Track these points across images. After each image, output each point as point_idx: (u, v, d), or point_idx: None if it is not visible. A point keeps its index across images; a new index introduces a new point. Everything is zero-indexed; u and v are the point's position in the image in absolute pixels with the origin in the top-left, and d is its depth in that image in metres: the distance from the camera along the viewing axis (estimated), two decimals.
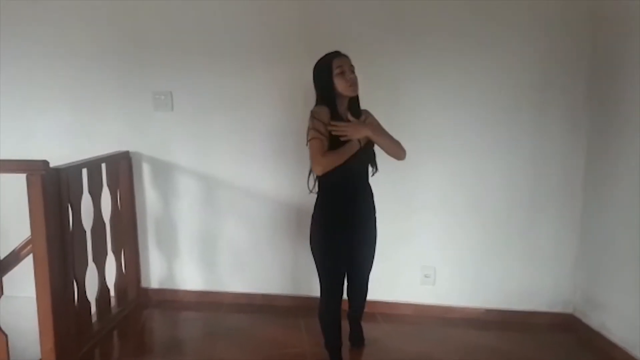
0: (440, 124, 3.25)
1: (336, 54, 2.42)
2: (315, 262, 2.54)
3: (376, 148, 2.55)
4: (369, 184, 2.61)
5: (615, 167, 2.95)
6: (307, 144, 2.37)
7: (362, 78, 2.48)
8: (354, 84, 2.39)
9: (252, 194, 3.48)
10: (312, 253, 2.55)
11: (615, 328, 2.95)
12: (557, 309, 3.35)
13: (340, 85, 2.37)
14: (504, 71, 3.17)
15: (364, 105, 2.59)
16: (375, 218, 2.65)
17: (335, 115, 2.38)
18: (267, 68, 3.31)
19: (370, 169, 2.60)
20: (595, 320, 3.12)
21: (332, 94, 2.39)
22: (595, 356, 2.96)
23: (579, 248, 3.27)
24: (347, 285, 2.70)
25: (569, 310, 3.34)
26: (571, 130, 3.19)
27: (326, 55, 2.43)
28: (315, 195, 2.52)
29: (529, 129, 3.21)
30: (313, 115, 2.35)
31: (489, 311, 3.40)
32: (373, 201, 2.63)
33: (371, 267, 2.72)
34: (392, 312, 3.42)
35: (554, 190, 3.26)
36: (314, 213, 2.53)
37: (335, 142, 2.34)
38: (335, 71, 2.36)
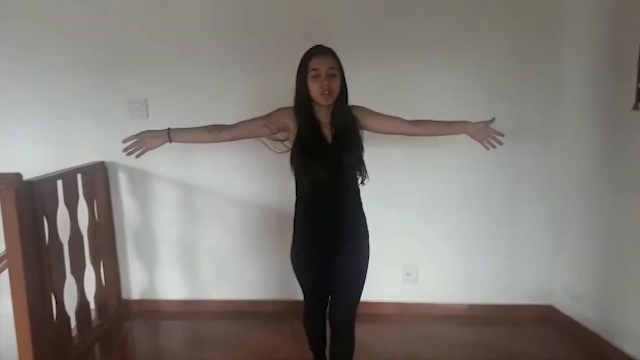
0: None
1: (316, 52, 2.10)
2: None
3: (372, 154, 2.30)
4: (353, 197, 2.22)
5: (587, 161, 3.01)
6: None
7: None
8: (326, 91, 2.05)
9: (231, 200, 3.46)
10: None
11: (595, 318, 3.00)
12: (539, 301, 3.40)
13: (313, 90, 2.07)
14: (480, 71, 3.22)
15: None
16: (364, 240, 2.25)
17: (314, 123, 2.13)
18: (244, 74, 3.30)
19: (357, 177, 2.20)
20: (575, 311, 3.17)
21: (308, 99, 2.11)
22: (576, 346, 3.01)
23: (557, 241, 3.32)
24: (329, 321, 2.30)
25: (549, 302, 3.39)
26: (546, 127, 3.25)
27: (307, 51, 2.13)
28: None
29: (505, 128, 3.24)
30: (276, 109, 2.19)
31: (472, 306, 3.43)
32: (361, 219, 2.25)
33: (357, 299, 2.24)
34: (376, 312, 3.42)
35: (531, 186, 3.32)
36: (293, 226, 2.29)
37: (306, 146, 2.11)
38: (311, 73, 2.07)
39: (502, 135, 2.32)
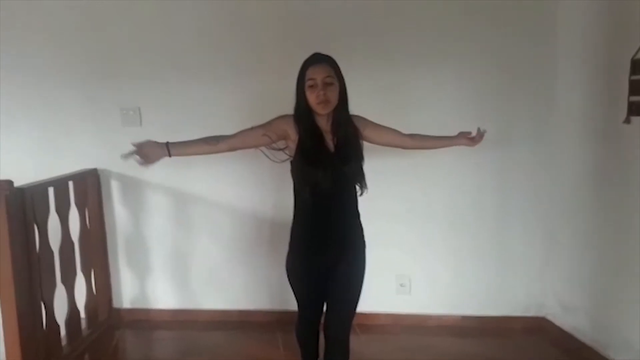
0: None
1: (312, 61, 2.10)
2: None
3: (371, 164, 2.29)
4: (353, 208, 2.24)
5: (578, 172, 3.03)
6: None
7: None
8: (323, 101, 2.05)
9: (223, 209, 3.44)
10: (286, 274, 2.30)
11: (587, 329, 3.00)
12: (531, 312, 3.40)
13: (310, 100, 2.07)
14: (469, 81, 3.23)
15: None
16: (362, 251, 2.26)
17: (316, 131, 2.13)
18: (238, 82, 3.30)
19: (356, 188, 2.21)
20: (567, 322, 3.18)
21: (307, 108, 2.10)
22: (569, 357, 3.01)
23: (548, 253, 3.33)
24: (324, 332, 2.28)
25: (541, 313, 3.39)
26: (536, 139, 3.26)
27: (306, 59, 2.12)
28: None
29: (495, 139, 3.25)
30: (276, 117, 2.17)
31: (465, 318, 3.42)
32: (359, 229, 2.27)
33: (353, 310, 2.24)
34: (369, 323, 3.41)
35: (522, 197, 3.32)
36: (290, 234, 2.28)
37: (308, 153, 2.10)
38: (307, 83, 2.07)
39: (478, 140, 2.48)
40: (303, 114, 2.12)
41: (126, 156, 2.16)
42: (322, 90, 2.05)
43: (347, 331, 2.25)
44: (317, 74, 2.06)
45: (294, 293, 2.28)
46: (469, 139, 2.46)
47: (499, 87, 3.23)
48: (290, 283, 2.27)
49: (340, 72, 2.13)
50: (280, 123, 2.16)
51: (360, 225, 2.27)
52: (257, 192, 3.39)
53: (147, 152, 2.17)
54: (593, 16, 2.87)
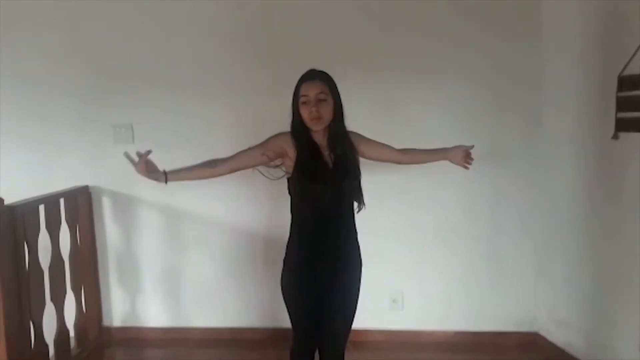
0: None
1: (305, 78, 2.12)
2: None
3: (362, 180, 2.25)
4: (351, 225, 2.25)
5: (569, 187, 3.05)
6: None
7: None
8: (315, 117, 2.06)
9: (216, 226, 3.43)
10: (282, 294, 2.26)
11: (580, 345, 3.00)
12: (524, 328, 3.39)
13: (303, 115, 2.09)
14: (457, 95, 3.26)
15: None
16: (358, 269, 2.28)
17: (314, 146, 2.14)
18: (232, 99, 3.31)
19: (354, 205, 2.22)
20: (560, 338, 3.17)
21: (301, 124, 2.12)
22: None
23: (541, 267, 3.34)
24: (319, 350, 2.28)
25: (534, 329, 3.39)
26: (527, 154, 3.29)
27: (301, 76, 2.15)
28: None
29: (485, 155, 3.28)
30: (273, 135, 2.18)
31: (457, 333, 3.41)
32: (356, 247, 2.28)
33: (349, 328, 2.24)
34: (362, 339, 3.38)
35: (512, 213, 3.34)
36: (285, 253, 2.26)
37: (306, 169, 2.10)
38: (301, 99, 2.09)
39: (472, 159, 2.40)
40: (299, 129, 2.13)
41: (128, 155, 2.20)
42: (314, 107, 2.06)
43: (343, 348, 2.26)
44: (310, 91, 2.07)
45: (289, 312, 2.23)
46: (464, 154, 2.37)
47: (489, 102, 3.26)
48: (285, 301, 2.23)
49: (335, 88, 2.15)
50: (278, 141, 2.17)
51: (357, 242, 2.28)
52: (248, 209, 3.38)
53: (147, 167, 2.19)
54: (581, 33, 2.92)
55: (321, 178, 2.09)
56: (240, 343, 3.42)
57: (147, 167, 2.17)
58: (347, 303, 2.22)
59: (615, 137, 2.58)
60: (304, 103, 2.08)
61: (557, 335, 3.21)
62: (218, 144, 3.33)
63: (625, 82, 2.51)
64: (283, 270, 2.24)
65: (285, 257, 2.24)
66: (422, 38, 3.23)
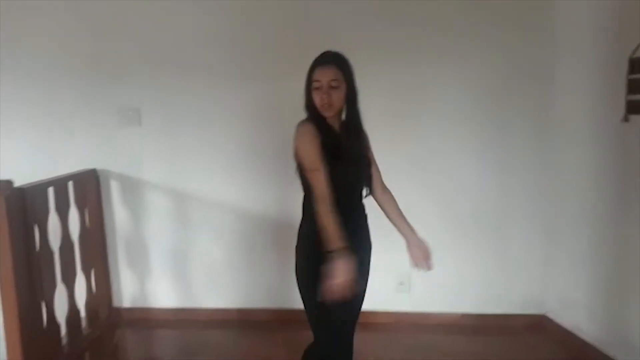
0: (409, 132, 3.30)
1: (320, 62, 2.03)
2: (307, 309, 2.05)
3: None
4: (364, 207, 2.22)
5: (578, 171, 3.03)
6: (297, 170, 2.08)
7: None
8: (325, 104, 1.99)
9: (225, 208, 3.45)
10: (302, 297, 2.05)
11: (588, 327, 3.00)
12: (531, 310, 3.40)
13: (315, 101, 2.02)
14: (469, 80, 3.24)
15: None
16: (371, 249, 2.26)
17: (328, 131, 2.04)
18: (240, 83, 3.30)
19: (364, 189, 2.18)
20: (568, 320, 3.18)
21: (315, 109, 2.04)
22: (569, 355, 3.01)
23: (549, 250, 3.33)
24: None
25: (542, 311, 3.39)
26: (535, 137, 3.27)
27: (315, 59, 2.05)
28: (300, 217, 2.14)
29: (495, 138, 3.29)
30: (302, 134, 2.00)
31: (464, 316, 3.42)
32: (369, 230, 2.25)
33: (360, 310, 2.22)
34: (369, 321, 3.39)
35: (521, 195, 3.33)
36: (299, 244, 2.09)
37: (334, 157, 1.99)
38: (313, 84, 2.02)
39: (430, 269, 2.30)
40: (315, 115, 2.05)
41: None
42: (325, 94, 1.99)
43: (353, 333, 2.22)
44: (323, 76, 2.00)
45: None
46: (424, 255, 2.33)
47: (498, 86, 3.24)
48: (306, 305, 2.04)
49: (349, 72, 2.05)
50: (316, 136, 1.99)
51: (369, 229, 2.28)
52: (257, 190, 3.39)
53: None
54: (591, 15, 2.88)
55: (345, 163, 2.03)
56: (249, 324, 3.46)
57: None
58: (365, 286, 2.21)
59: (625, 119, 2.56)
60: (316, 89, 2.01)
61: (565, 318, 3.21)
62: (225, 128, 3.37)
63: (636, 64, 2.48)
64: (302, 263, 2.06)
65: (301, 247, 2.08)
66: (433, 23, 3.20)
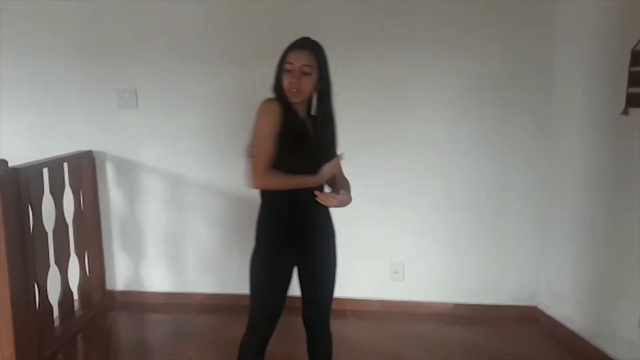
0: (405, 123, 3.29)
1: (295, 45, 2.00)
2: (250, 287, 2.11)
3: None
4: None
5: (574, 163, 3.04)
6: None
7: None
8: (294, 88, 1.94)
9: (219, 193, 3.44)
10: (250, 275, 2.10)
11: (579, 319, 3.02)
12: (523, 302, 3.42)
13: (284, 83, 1.97)
14: (467, 70, 3.22)
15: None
16: (333, 238, 2.15)
17: (292, 116, 1.98)
18: (237, 67, 3.28)
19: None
20: (559, 312, 3.20)
21: (282, 92, 1.99)
22: (560, 347, 3.04)
23: (542, 242, 3.35)
24: (305, 324, 2.20)
25: (534, 303, 3.41)
26: (533, 129, 3.27)
27: (292, 42, 2.03)
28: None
29: (492, 128, 3.28)
30: (264, 112, 1.96)
31: (457, 306, 3.44)
32: (329, 215, 2.14)
33: (332, 297, 2.17)
34: (362, 309, 3.43)
35: (516, 187, 3.33)
36: (256, 229, 2.11)
37: (291, 143, 1.95)
38: (285, 66, 1.97)
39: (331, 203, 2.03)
40: (282, 97, 1.99)
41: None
42: (296, 78, 1.94)
43: (329, 321, 2.20)
44: (297, 60, 1.95)
45: (254, 293, 2.09)
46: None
47: (496, 77, 3.22)
48: (252, 281, 2.09)
49: (324, 62, 2.01)
50: (278, 115, 1.95)
51: (329, 212, 2.13)
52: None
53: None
54: (593, 6, 2.86)
55: (304, 152, 2.00)
56: (241, 309, 3.41)
57: None
58: (329, 272, 2.13)
59: (625, 112, 2.55)
60: (288, 71, 1.96)
61: (556, 310, 3.23)
62: (222, 111, 3.35)
63: (638, 57, 2.47)
64: (254, 250, 2.10)
65: (256, 232, 2.11)
66: (429, 10, 3.18)
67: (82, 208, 3.29)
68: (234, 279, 3.51)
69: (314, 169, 1.99)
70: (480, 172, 3.33)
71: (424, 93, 3.26)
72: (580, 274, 3.01)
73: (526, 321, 3.35)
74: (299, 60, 1.95)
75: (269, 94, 2.08)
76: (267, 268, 2.06)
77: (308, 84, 1.97)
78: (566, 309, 3.14)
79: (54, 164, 2.97)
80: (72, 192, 3.19)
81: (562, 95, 3.14)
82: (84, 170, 3.30)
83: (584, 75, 2.94)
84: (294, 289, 2.14)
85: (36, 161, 2.80)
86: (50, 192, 2.92)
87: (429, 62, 3.22)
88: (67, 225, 3.09)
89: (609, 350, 2.76)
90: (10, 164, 2.47)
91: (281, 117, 1.94)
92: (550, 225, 3.28)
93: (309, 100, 2.05)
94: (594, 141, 2.88)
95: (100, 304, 3.47)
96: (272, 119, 1.94)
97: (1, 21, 3.29)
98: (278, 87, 2.02)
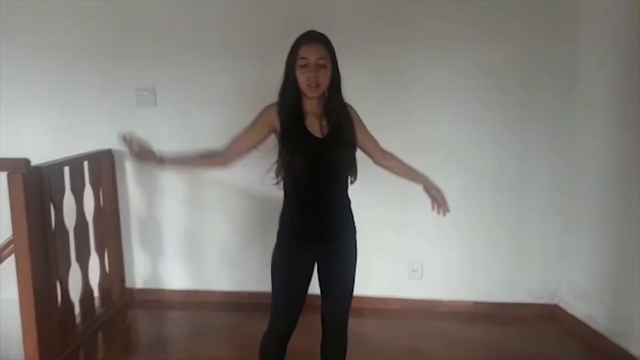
0: (428, 120, 3.27)
1: (306, 39, 1.95)
2: (272, 281, 2.13)
3: (360, 154, 2.11)
4: (343, 197, 2.08)
5: (597, 161, 2.99)
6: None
7: (347, 70, 2.19)
8: (312, 84, 1.90)
9: (238, 191, 3.45)
10: (271, 270, 2.13)
11: (600, 318, 2.98)
12: (544, 300, 3.38)
13: (300, 80, 1.93)
14: (489, 68, 3.19)
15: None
16: (352, 238, 2.11)
17: (302, 115, 1.98)
18: (256, 63, 3.27)
19: (347, 176, 2.06)
20: (580, 310, 3.16)
21: (295, 88, 1.96)
22: (581, 345, 3.00)
23: (564, 240, 3.30)
24: (322, 322, 2.19)
25: (554, 301, 3.37)
26: (556, 126, 3.23)
27: (299, 36, 1.98)
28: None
29: (515, 126, 3.25)
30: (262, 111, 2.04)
31: (476, 304, 3.41)
32: (348, 217, 2.11)
33: (350, 299, 2.14)
34: (380, 307, 3.41)
35: (539, 184, 3.30)
36: (278, 225, 2.14)
37: (289, 139, 1.97)
38: (299, 62, 1.91)
39: (448, 211, 2.27)
40: (290, 94, 1.98)
41: (124, 137, 2.10)
42: (313, 72, 1.90)
43: (346, 321, 2.18)
44: (311, 54, 1.90)
45: (274, 292, 2.11)
46: (435, 187, 2.29)
47: (521, 73, 3.19)
48: (272, 280, 2.10)
49: (334, 54, 1.97)
50: (266, 116, 2.02)
51: (351, 212, 2.12)
52: (272, 173, 3.37)
53: (141, 152, 2.12)
54: (619, 1, 2.81)
55: (304, 151, 1.95)
56: (260, 307, 3.44)
57: (142, 157, 2.10)
58: (347, 274, 2.10)
59: None
60: (302, 66, 1.91)
61: (577, 308, 3.20)
62: (240, 107, 3.32)
63: None
64: (275, 246, 2.12)
65: (278, 230, 2.12)
66: (448, 5, 3.15)
67: (102, 206, 3.32)
68: (253, 276, 3.51)
69: (317, 169, 1.96)
70: (501, 170, 3.29)
71: (444, 93, 3.24)
72: (602, 272, 2.97)
73: (547, 319, 3.31)
74: (313, 54, 1.91)
75: None
76: (287, 263, 2.07)
77: (325, 76, 1.93)
78: (588, 307, 3.10)
79: (75, 163, 3.00)
80: (92, 191, 3.22)
81: (586, 92, 3.09)
82: (103, 168, 3.33)
83: (609, 71, 2.89)
84: (317, 287, 2.15)
85: (57, 160, 2.83)
86: (71, 190, 2.95)
87: (449, 62, 3.20)
88: (87, 223, 3.12)
89: (632, 349, 2.72)
90: (32, 163, 2.50)
91: (276, 119, 2.00)
92: (572, 222, 3.23)
93: (324, 95, 2.00)
94: (618, 138, 2.83)
95: (120, 302, 3.50)
96: (259, 118, 2.07)
97: (22, 22, 3.33)
98: (289, 85, 1.98)
